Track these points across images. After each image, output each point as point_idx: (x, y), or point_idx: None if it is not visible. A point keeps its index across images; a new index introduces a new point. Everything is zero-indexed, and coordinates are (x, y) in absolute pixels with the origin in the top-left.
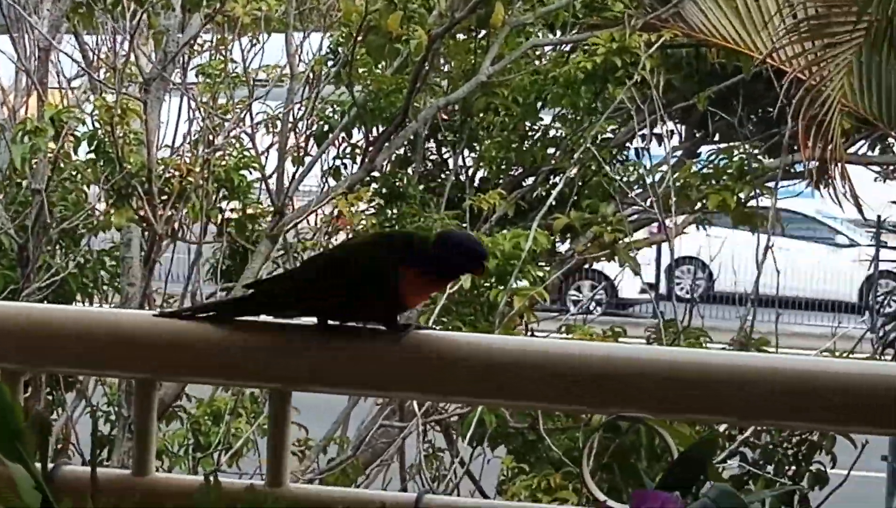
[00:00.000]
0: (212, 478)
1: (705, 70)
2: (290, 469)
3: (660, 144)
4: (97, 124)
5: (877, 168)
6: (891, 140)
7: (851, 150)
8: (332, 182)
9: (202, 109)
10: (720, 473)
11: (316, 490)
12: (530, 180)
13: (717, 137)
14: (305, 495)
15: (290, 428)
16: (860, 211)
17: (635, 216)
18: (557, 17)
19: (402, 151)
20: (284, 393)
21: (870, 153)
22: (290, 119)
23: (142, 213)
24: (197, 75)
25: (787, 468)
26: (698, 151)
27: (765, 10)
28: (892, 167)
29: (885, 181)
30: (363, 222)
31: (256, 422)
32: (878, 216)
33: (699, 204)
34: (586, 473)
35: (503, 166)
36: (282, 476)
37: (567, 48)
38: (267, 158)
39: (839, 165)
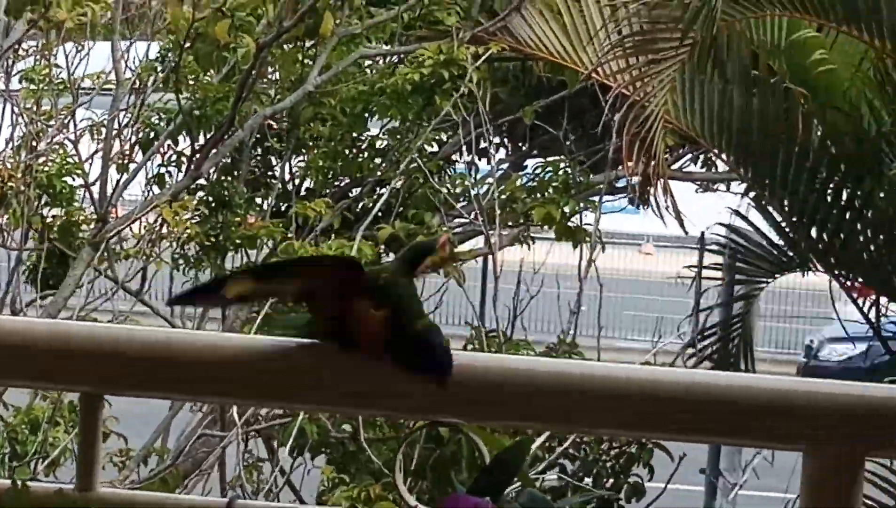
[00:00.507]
0: (20, 482)
1: (532, 84)
2: (107, 478)
3: (483, 158)
4: None
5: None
6: (713, 157)
7: (675, 166)
8: (156, 190)
9: (25, 115)
10: (532, 478)
11: (128, 494)
12: (357, 191)
13: (542, 152)
14: (117, 499)
15: (100, 431)
16: (682, 227)
17: (461, 229)
18: (385, 29)
19: (228, 159)
20: (94, 396)
21: (693, 169)
22: (116, 126)
23: None
24: (20, 81)
25: (605, 480)
26: (524, 165)
27: (591, 26)
28: (716, 184)
29: (704, 192)
30: (188, 230)
31: (74, 431)
32: (702, 233)
33: (524, 218)
34: (398, 478)
35: (330, 176)
36: (92, 480)
37: (395, 59)
38: (91, 164)
39: (662, 180)
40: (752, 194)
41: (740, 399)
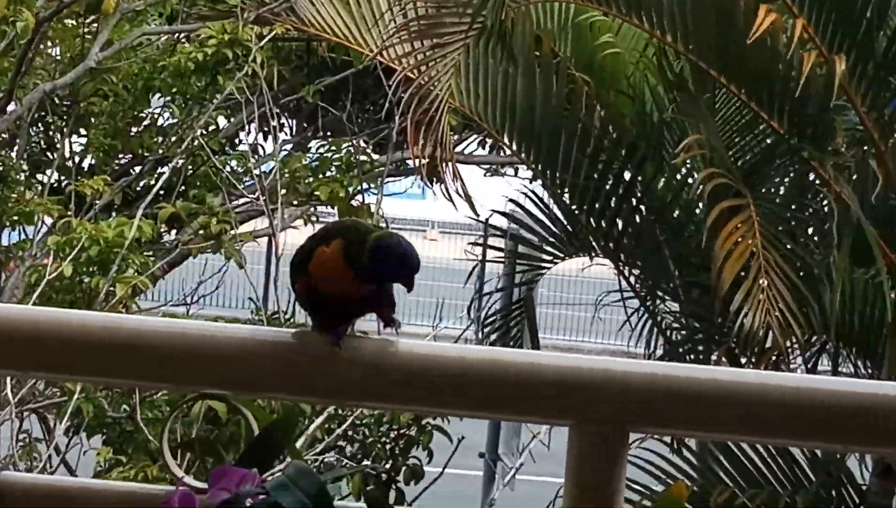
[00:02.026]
0: None
1: (316, 64)
2: None
3: (268, 137)
4: None
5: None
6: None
7: (464, 150)
8: None
9: None
10: (299, 450)
11: None
12: (139, 169)
13: (328, 133)
14: None
15: None
16: (473, 209)
17: (243, 209)
18: (168, 6)
19: (6, 134)
20: None
21: (482, 153)
22: None
23: None
24: None
25: (384, 462)
26: (309, 146)
27: (376, 8)
28: (504, 168)
29: (492, 176)
30: None
31: None
32: (487, 218)
33: (308, 197)
34: (166, 450)
35: (111, 154)
36: None
37: (179, 38)
38: None
39: (450, 164)
40: (536, 179)
41: (509, 375)
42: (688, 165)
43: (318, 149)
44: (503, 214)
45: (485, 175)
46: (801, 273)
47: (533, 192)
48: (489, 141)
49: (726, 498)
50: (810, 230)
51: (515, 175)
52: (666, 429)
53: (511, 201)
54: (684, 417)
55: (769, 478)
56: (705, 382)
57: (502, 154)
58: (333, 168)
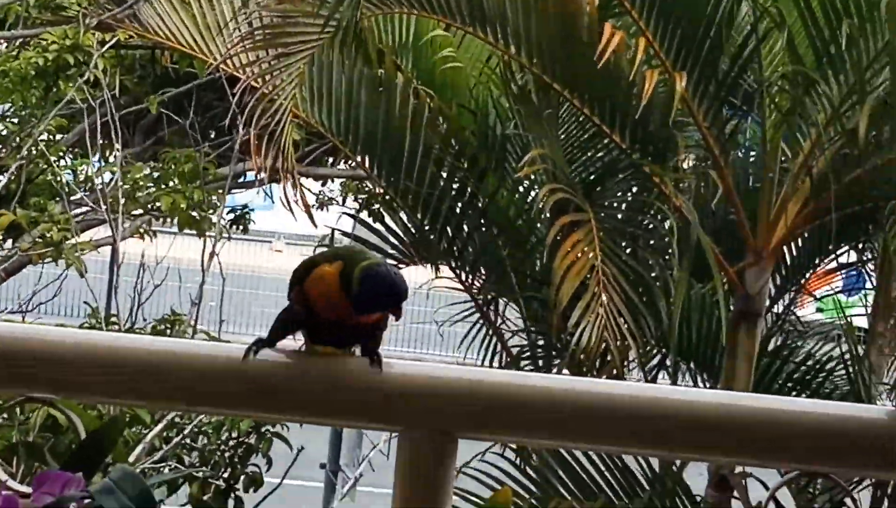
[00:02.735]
0: None
1: (160, 75)
2: None
3: (111, 146)
4: None
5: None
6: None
7: (306, 161)
8: None
9: None
10: (125, 453)
11: None
12: None
13: (171, 142)
14: None
15: None
16: (311, 220)
17: (82, 218)
18: (10, 11)
19: None
20: None
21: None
22: None
23: None
24: None
25: (223, 469)
26: (152, 155)
27: (221, 17)
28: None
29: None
30: None
31: None
32: (332, 230)
33: (150, 206)
34: None
35: None
36: None
37: (19, 43)
38: None
39: (292, 175)
40: (379, 191)
41: (339, 381)
42: (531, 178)
43: (161, 159)
44: (358, 219)
45: (329, 187)
46: (641, 288)
47: (378, 204)
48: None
49: None
50: (652, 243)
51: (362, 186)
52: (495, 435)
53: (351, 215)
54: (512, 423)
55: (604, 488)
56: (532, 389)
57: (350, 166)
58: (175, 179)
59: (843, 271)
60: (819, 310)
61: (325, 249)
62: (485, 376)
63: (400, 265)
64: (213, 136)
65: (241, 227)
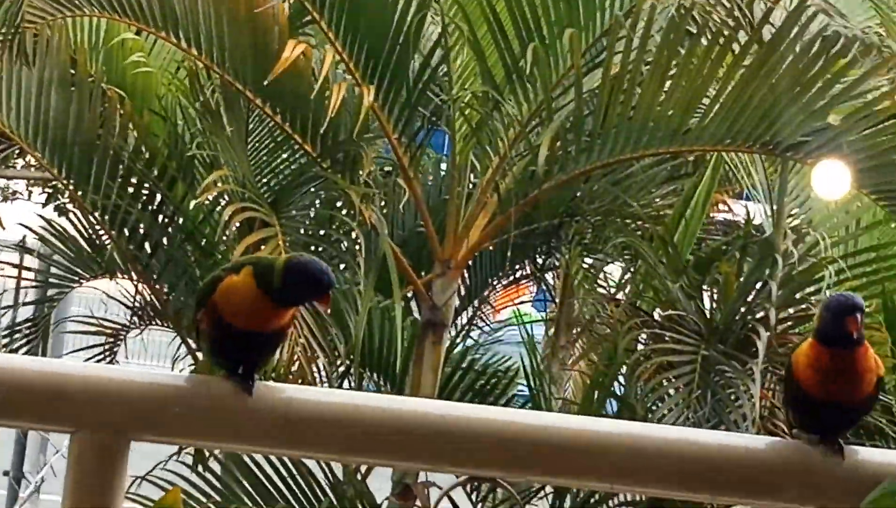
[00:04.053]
0: None
1: None
2: None
3: None
4: None
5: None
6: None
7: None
8: None
9: None
10: None
11: None
12: None
13: None
14: None
15: None
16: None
17: None
18: None
19: None
20: None
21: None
22: None
23: None
24: None
25: None
26: None
27: None
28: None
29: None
30: None
31: None
32: (24, 236)
33: None
34: None
35: None
36: None
37: None
38: None
39: None
40: (66, 196)
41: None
42: (219, 184)
43: None
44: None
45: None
46: None
47: (66, 210)
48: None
49: None
50: (340, 255)
51: (54, 191)
52: (170, 437)
53: (41, 216)
54: (188, 426)
55: (286, 494)
56: (208, 392)
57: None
58: None
59: (533, 285)
60: (513, 323)
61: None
62: (160, 378)
63: (86, 275)
64: None
65: None
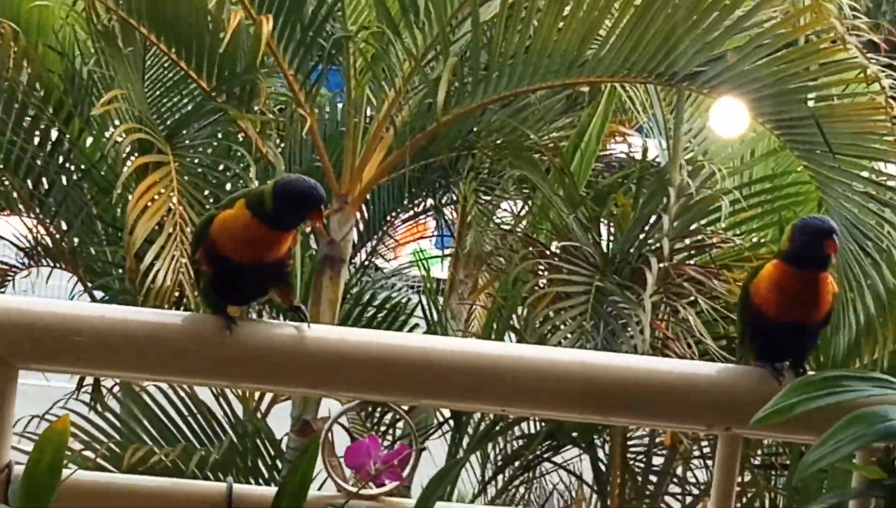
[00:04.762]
0: None
1: None
2: None
3: None
4: None
5: None
6: None
7: None
8: None
9: None
10: None
11: None
12: None
13: None
14: None
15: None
16: None
17: None
18: None
19: None
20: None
21: None
22: None
23: None
24: None
25: None
26: None
27: None
28: None
29: None
30: None
31: None
32: None
33: None
34: None
35: None
36: None
37: None
38: None
39: None
40: None
41: None
42: (116, 124)
43: None
44: None
45: None
46: None
47: None
48: None
49: (142, 456)
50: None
51: None
52: (58, 366)
53: None
54: (76, 354)
55: (188, 435)
56: (100, 320)
57: None
58: None
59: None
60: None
61: None
62: (57, 307)
63: None
64: None
65: None
